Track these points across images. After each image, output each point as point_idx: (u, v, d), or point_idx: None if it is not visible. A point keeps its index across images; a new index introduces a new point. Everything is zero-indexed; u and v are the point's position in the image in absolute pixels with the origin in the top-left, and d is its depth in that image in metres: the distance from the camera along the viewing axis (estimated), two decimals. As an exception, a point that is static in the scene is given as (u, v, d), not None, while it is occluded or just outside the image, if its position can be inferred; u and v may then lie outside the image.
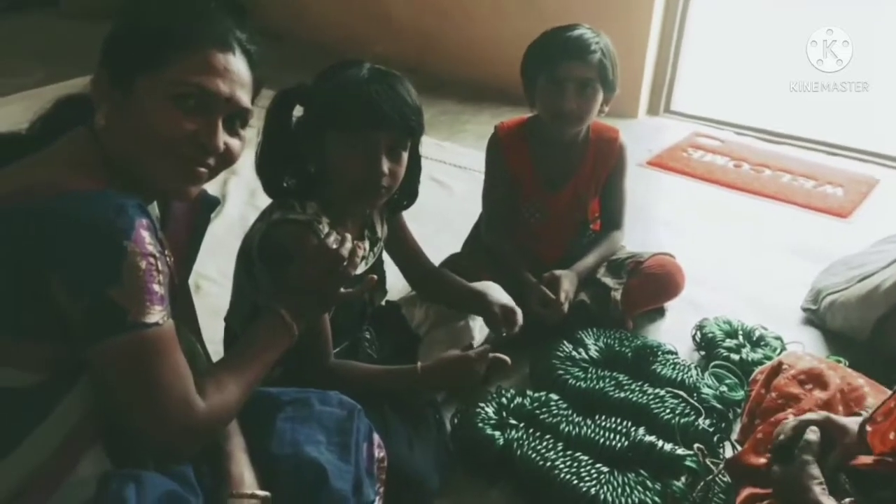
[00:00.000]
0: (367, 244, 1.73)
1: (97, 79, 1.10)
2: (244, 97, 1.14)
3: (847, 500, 1.31)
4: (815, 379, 1.68)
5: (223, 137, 1.12)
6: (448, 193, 3.09)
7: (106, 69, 1.09)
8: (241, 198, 2.91)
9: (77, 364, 1.03)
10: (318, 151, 1.57)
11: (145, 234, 1.00)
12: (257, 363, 1.24)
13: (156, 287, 1.01)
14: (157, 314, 1.02)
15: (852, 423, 1.46)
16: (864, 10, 4.64)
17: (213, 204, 1.35)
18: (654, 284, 2.23)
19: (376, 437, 1.38)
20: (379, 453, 1.38)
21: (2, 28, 4.97)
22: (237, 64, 1.13)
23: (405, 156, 1.59)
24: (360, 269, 1.72)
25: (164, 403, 1.04)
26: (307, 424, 1.29)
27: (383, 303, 1.94)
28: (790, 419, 1.50)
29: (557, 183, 2.22)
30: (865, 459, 1.36)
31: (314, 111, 1.57)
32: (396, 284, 2.00)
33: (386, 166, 1.53)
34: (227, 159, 1.15)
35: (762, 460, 1.51)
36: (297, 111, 1.61)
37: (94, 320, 0.98)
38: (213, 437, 1.16)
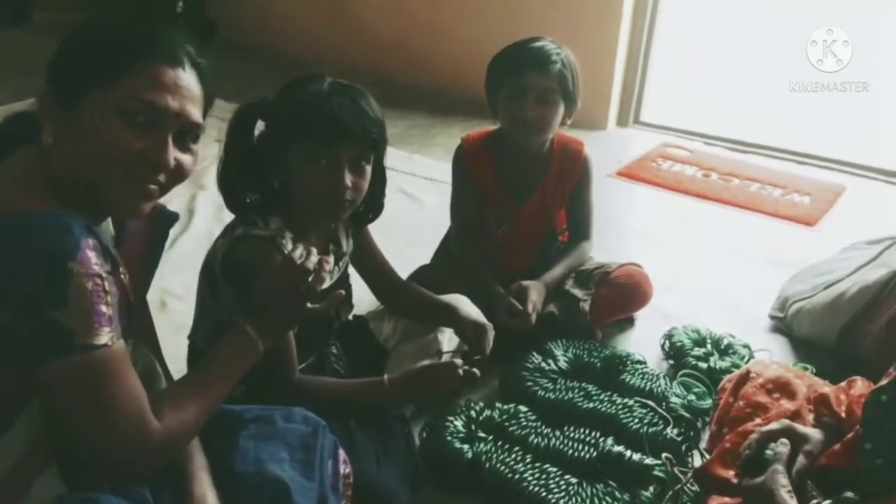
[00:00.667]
0: (332, 259, 1.72)
1: (43, 96, 1.07)
2: (195, 112, 1.12)
3: (814, 501, 1.33)
4: (782, 388, 1.70)
5: (174, 153, 1.10)
6: (419, 206, 3.08)
7: (52, 86, 1.07)
8: (208, 213, 2.88)
9: (27, 387, 1.01)
10: (280, 166, 1.56)
11: (91, 255, 0.99)
12: (221, 381, 1.22)
13: (103, 308, 1.00)
14: (106, 335, 1.00)
15: (814, 432, 1.49)
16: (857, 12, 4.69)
17: (171, 219, 1.32)
18: (622, 294, 2.23)
19: (342, 453, 1.37)
20: (344, 469, 1.36)
21: (-28, 43, 4.92)
22: (187, 79, 1.11)
23: (368, 169, 1.58)
24: (326, 284, 1.70)
25: (115, 425, 1.02)
26: (270, 442, 1.27)
27: (350, 317, 1.93)
28: (755, 433, 1.52)
29: (523, 195, 2.23)
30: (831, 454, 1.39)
31: (276, 126, 1.57)
32: (364, 299, 1.99)
33: (349, 180, 1.53)
34: (178, 175, 1.13)
35: (731, 472, 1.53)
36: (259, 126, 1.60)
37: (40, 343, 0.97)
38: (170, 457, 1.14)
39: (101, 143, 1.04)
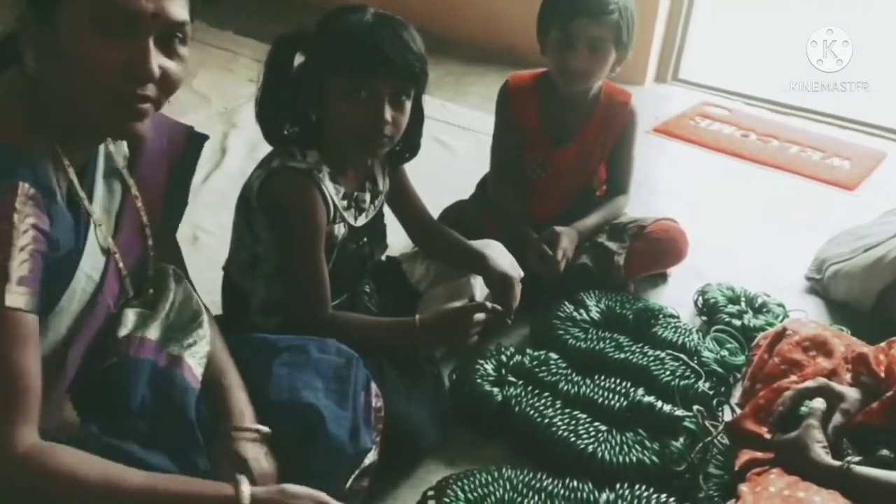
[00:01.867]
0: (367, 196, 1.71)
1: (21, 16, 0.98)
2: (174, 9, 0.99)
3: (850, 457, 1.32)
4: (819, 346, 1.67)
5: (158, 60, 0.98)
6: (451, 154, 3.06)
7: (28, 3, 0.97)
8: (241, 151, 2.86)
9: None
10: (319, 99, 1.54)
11: (15, 201, 0.91)
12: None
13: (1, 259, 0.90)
14: None
15: (851, 390, 1.47)
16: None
17: (198, 140, 1.26)
18: (657, 249, 2.20)
19: (374, 387, 1.37)
20: (376, 402, 1.36)
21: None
22: None
23: (408, 105, 1.55)
24: (361, 222, 1.70)
25: None
26: (305, 371, 1.27)
27: (384, 257, 1.92)
28: (790, 390, 1.50)
29: (562, 138, 2.18)
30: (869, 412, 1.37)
31: (316, 57, 1.54)
32: (398, 240, 1.98)
33: (389, 114, 1.50)
34: (167, 86, 1.02)
35: (763, 428, 1.52)
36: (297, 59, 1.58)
37: None
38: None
39: (80, 60, 0.96)
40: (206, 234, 2.32)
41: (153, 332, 1.18)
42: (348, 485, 1.27)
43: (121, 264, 1.14)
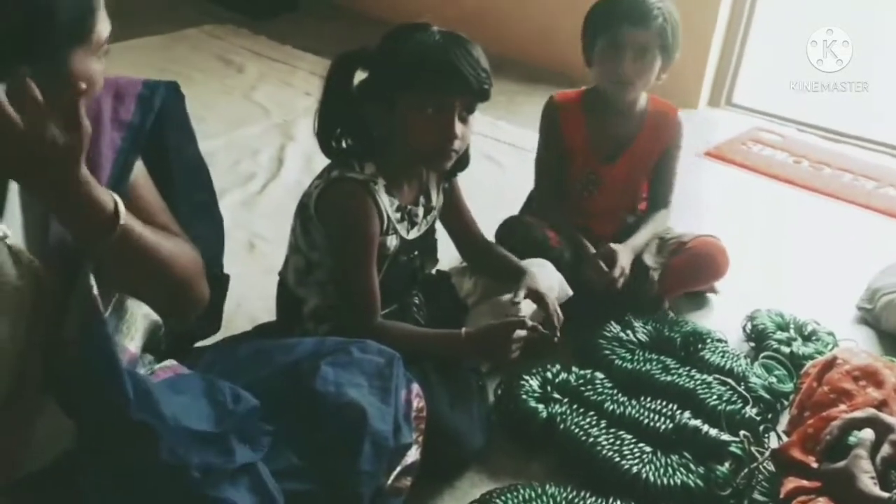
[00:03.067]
0: (420, 210, 1.74)
1: None
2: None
3: (896, 492, 1.30)
4: (869, 376, 1.66)
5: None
6: (501, 171, 3.08)
7: None
8: (298, 163, 2.92)
9: None
10: (383, 114, 1.58)
11: None
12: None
13: None
14: None
15: None
16: None
17: (153, 91, 1.12)
18: (694, 264, 2.18)
19: (415, 387, 1.39)
20: (417, 402, 1.38)
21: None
22: None
23: (472, 120, 1.60)
24: (413, 235, 1.74)
25: None
26: (348, 369, 1.29)
27: (433, 271, 1.95)
28: (838, 419, 1.49)
29: (612, 154, 2.18)
30: None
31: (385, 74, 1.58)
32: (447, 255, 2.01)
33: (459, 129, 1.55)
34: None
35: (810, 457, 1.50)
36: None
37: None
38: None
39: None
40: (264, 242, 2.37)
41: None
42: (390, 481, 1.30)
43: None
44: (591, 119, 2.17)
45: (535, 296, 1.81)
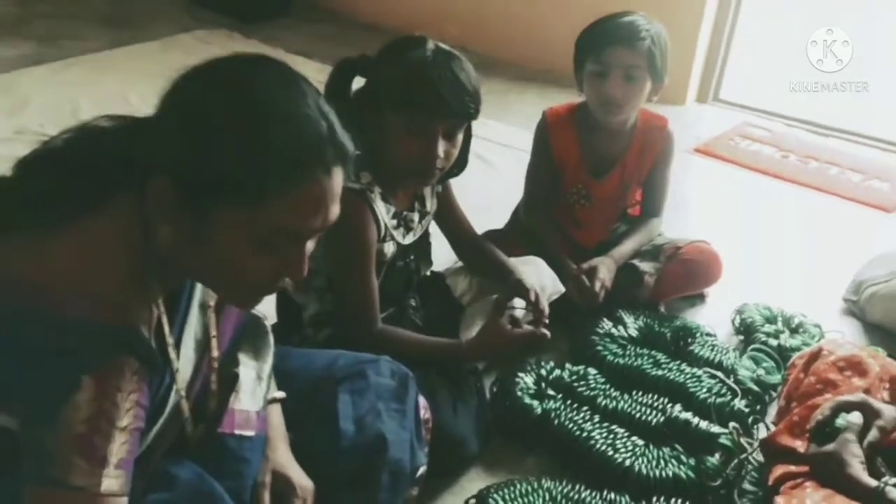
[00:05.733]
0: (416, 216, 1.78)
1: (160, 193, 0.88)
2: (335, 211, 0.96)
3: (886, 478, 1.33)
4: (854, 366, 1.69)
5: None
6: (492, 171, 3.12)
7: (174, 185, 0.88)
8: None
9: None
10: (375, 125, 1.60)
11: (121, 380, 0.86)
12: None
13: (98, 441, 0.84)
14: (85, 476, 0.83)
15: (889, 408, 1.49)
16: None
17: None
18: (689, 271, 2.23)
19: (422, 400, 1.44)
20: (425, 414, 1.43)
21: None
22: (338, 176, 0.94)
23: (460, 136, 1.62)
24: (409, 240, 1.78)
25: None
26: (365, 396, 1.33)
27: (428, 272, 1.99)
28: (830, 400, 1.52)
29: (603, 170, 2.21)
30: None
31: (375, 87, 1.60)
32: (441, 256, 2.05)
33: (442, 150, 1.56)
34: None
35: (798, 443, 1.54)
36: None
37: (24, 457, 0.84)
38: None
39: (230, 264, 0.92)
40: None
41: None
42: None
43: (186, 407, 1.07)
44: (582, 135, 2.19)
45: (516, 285, 1.85)
